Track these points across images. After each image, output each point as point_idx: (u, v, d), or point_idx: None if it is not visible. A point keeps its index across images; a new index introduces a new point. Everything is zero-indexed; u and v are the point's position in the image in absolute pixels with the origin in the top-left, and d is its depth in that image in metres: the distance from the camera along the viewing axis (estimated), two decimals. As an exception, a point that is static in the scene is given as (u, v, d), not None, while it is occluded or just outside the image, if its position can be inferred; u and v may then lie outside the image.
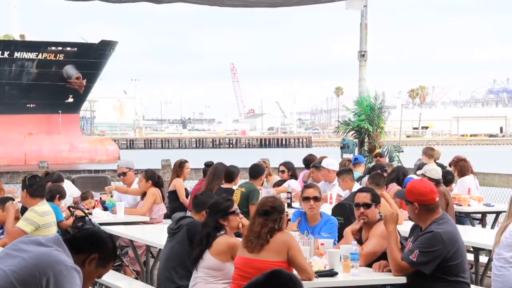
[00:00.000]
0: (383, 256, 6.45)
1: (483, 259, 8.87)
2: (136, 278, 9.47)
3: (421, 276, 6.11)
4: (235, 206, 6.58)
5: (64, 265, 3.48)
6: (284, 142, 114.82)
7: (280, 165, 12.66)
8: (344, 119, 19.66)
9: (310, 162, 12.87)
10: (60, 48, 63.99)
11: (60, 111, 64.63)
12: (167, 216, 11.03)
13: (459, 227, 8.09)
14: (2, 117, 62.21)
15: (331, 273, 6.14)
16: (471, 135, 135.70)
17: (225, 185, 10.29)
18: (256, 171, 10.55)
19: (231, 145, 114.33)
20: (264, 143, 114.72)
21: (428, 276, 6.10)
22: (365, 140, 18.10)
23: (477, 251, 8.60)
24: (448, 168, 12.31)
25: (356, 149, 18.28)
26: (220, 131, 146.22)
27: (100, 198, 10.88)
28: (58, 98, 64.04)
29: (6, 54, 62.39)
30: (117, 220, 10.00)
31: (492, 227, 11.22)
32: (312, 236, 6.95)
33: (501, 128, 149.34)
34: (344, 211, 8.06)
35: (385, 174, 10.59)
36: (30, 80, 63.43)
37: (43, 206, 7.78)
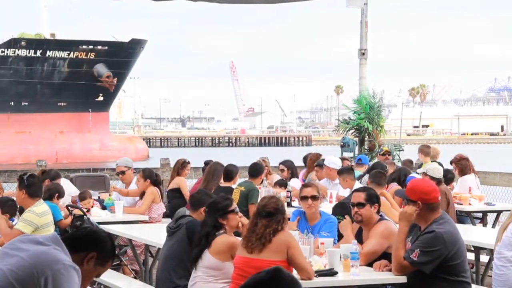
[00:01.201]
0: (383, 255, 6.43)
1: (484, 258, 8.83)
2: (135, 278, 9.45)
3: (421, 275, 6.10)
4: (234, 205, 6.55)
5: (62, 264, 3.47)
6: (283, 141, 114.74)
7: (280, 164, 12.63)
8: (344, 118, 19.64)
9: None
10: (91, 46, 64.30)
11: (90, 110, 65.12)
12: (166, 215, 10.99)
13: (460, 226, 8.09)
14: (34, 116, 62.76)
15: (331, 273, 6.13)
16: (472, 134, 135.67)
17: (224, 184, 10.28)
18: (256, 170, 10.52)
19: (230, 144, 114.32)
20: (263, 142, 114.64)
21: (428, 276, 6.09)
22: (365, 138, 18.08)
23: (478, 250, 8.58)
24: (449, 167, 12.27)
25: (356, 148, 18.26)
26: (220, 130, 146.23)
27: (99, 197, 10.85)
28: (89, 97, 64.54)
29: (38, 53, 62.77)
30: (116, 219, 9.99)
31: (493, 226, 11.20)
32: (312, 235, 6.93)
33: (502, 127, 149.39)
34: (345, 210, 8.02)
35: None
36: (62, 79, 63.89)
37: (41, 206, 7.73)
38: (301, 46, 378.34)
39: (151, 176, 10.53)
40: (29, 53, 62.69)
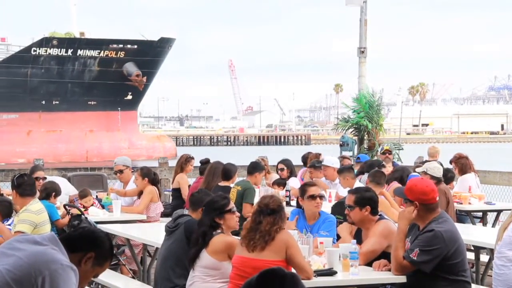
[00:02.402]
0: (382, 255, 6.41)
1: (484, 257, 8.80)
2: (133, 277, 9.42)
3: (421, 275, 6.08)
4: (232, 204, 6.52)
5: (60, 264, 3.47)
6: (282, 140, 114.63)
7: (279, 163, 12.59)
8: (343, 116, 19.62)
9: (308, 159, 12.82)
10: (121, 45, 64.53)
11: (119, 108, 65.36)
12: (166, 215, 10.94)
13: (460, 226, 8.06)
14: (64, 115, 63.06)
15: (330, 272, 6.11)
16: (471, 133, 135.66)
17: (222, 183, 10.25)
18: (252, 167, 10.51)
19: (229, 143, 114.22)
20: (262, 141, 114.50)
21: (428, 275, 6.07)
22: (365, 137, 18.05)
23: (477, 249, 8.56)
24: (449, 166, 12.23)
25: (356, 147, 18.24)
26: (218, 129, 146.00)
27: (97, 196, 10.81)
28: (118, 96, 64.81)
29: (69, 52, 63.00)
30: (114, 219, 9.96)
31: (493, 225, 11.17)
32: (310, 234, 6.91)
33: (502, 126, 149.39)
34: (344, 210, 7.99)
35: (383, 170, 10.50)
36: (92, 78, 64.19)
37: (36, 204, 7.73)
38: (300, 44, 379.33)
39: (149, 175, 10.49)
40: (60, 52, 63.04)
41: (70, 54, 63.13)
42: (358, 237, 6.67)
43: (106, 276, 7.96)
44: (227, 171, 10.36)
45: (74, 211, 9.54)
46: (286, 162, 12.53)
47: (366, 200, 6.63)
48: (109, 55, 64.01)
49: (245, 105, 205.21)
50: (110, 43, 64.24)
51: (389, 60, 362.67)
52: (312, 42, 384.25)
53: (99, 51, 63.71)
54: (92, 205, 10.22)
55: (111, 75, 63.85)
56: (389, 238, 6.44)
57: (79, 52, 63.45)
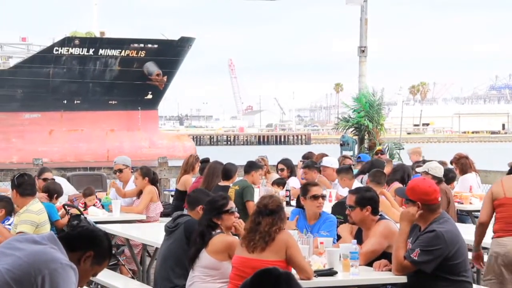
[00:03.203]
0: (383, 255, 6.40)
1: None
2: (132, 278, 9.41)
3: (422, 275, 6.08)
4: (231, 205, 6.48)
5: (59, 263, 3.48)
6: (282, 139, 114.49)
7: (279, 163, 12.55)
8: (343, 116, 19.60)
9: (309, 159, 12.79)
10: (142, 45, 64.57)
11: (139, 108, 65.43)
12: (166, 214, 10.91)
13: (461, 226, 8.02)
14: (86, 114, 63.12)
15: (331, 272, 6.09)
16: (472, 132, 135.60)
17: (222, 183, 10.23)
18: (248, 166, 10.49)
19: (228, 142, 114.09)
20: (262, 140, 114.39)
21: (429, 276, 6.06)
22: (365, 137, 18.02)
23: (478, 249, 8.48)
24: (450, 166, 12.20)
25: (356, 146, 18.23)
26: (218, 128, 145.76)
27: (96, 196, 10.78)
28: (138, 95, 64.91)
29: (91, 51, 63.11)
30: (113, 219, 9.94)
31: (494, 225, 11.10)
32: (311, 234, 6.89)
33: (503, 125, 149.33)
34: (344, 210, 7.97)
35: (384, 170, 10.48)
36: (113, 77, 64.29)
37: (36, 204, 7.72)
38: (300, 43, 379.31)
39: (149, 174, 10.46)
40: (82, 51, 63.11)
41: (92, 54, 63.22)
42: (359, 237, 6.66)
43: (106, 276, 7.95)
44: (227, 171, 10.34)
45: (74, 211, 9.52)
46: (286, 162, 12.50)
47: (367, 200, 6.61)
48: (130, 55, 64.09)
49: (245, 105, 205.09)
50: (131, 43, 64.35)
51: (389, 60, 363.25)
52: (312, 42, 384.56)
53: (120, 50, 63.76)
54: (94, 204, 10.20)
55: (132, 74, 63.99)
56: (389, 238, 6.42)
57: (101, 51, 63.50)
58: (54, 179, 10.55)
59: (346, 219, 6.91)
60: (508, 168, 9.34)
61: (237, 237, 6.34)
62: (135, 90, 64.11)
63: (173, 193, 13.24)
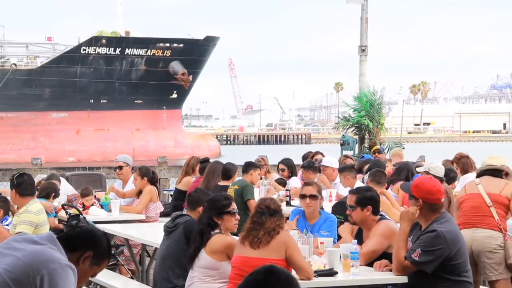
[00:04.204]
0: (383, 255, 6.39)
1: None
2: (132, 278, 9.40)
3: (423, 275, 6.07)
4: (233, 206, 6.45)
5: (58, 263, 3.48)
6: (283, 139, 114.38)
7: (279, 163, 12.53)
8: (344, 115, 19.57)
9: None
10: (167, 44, 64.69)
11: (164, 107, 65.53)
12: (166, 214, 10.88)
13: (462, 226, 7.96)
14: (112, 113, 63.31)
15: (331, 273, 6.09)
16: (473, 132, 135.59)
17: (222, 183, 10.21)
18: (246, 165, 10.49)
19: (228, 142, 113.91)
20: (262, 140, 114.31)
21: (430, 276, 6.05)
22: (366, 136, 17.99)
23: (479, 249, 8.46)
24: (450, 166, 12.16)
25: (356, 146, 18.20)
26: (218, 128, 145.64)
27: (95, 196, 10.76)
28: (164, 94, 65.02)
29: (117, 51, 63.27)
30: (113, 219, 9.93)
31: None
32: (311, 234, 6.87)
33: (504, 125, 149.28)
34: (345, 209, 7.94)
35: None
36: (139, 77, 64.45)
37: (36, 204, 7.70)
38: (300, 42, 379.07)
39: (148, 174, 10.43)
40: (108, 51, 63.26)
41: (118, 53, 63.39)
42: (359, 237, 6.65)
43: (105, 276, 7.94)
44: (227, 171, 10.33)
45: (73, 210, 9.49)
46: (287, 162, 12.47)
47: (368, 200, 6.60)
48: (155, 54, 64.24)
49: (244, 104, 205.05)
50: (157, 42, 64.48)
51: (390, 59, 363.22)
52: (312, 41, 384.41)
53: (146, 50, 63.96)
54: (92, 204, 10.18)
55: (157, 74, 64.12)
56: (390, 238, 6.41)
57: (127, 51, 63.68)
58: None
59: (347, 219, 6.89)
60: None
61: (236, 237, 6.32)
62: (161, 90, 64.27)
63: (172, 192, 13.22)
